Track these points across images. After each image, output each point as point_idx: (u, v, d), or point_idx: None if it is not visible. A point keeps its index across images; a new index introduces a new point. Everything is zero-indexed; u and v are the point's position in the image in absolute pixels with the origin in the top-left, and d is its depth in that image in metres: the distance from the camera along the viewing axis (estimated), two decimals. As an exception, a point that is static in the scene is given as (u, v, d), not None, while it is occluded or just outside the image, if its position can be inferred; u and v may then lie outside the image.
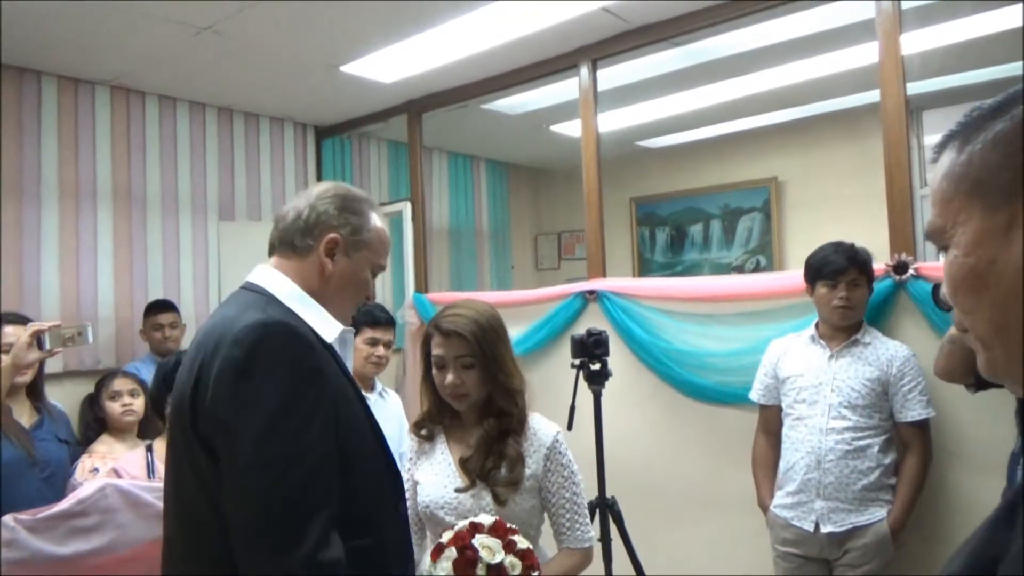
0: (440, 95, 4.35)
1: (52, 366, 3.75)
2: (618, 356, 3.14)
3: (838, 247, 2.52)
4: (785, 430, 2.59)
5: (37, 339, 2.34)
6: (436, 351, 1.78)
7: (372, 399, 2.77)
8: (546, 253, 6.80)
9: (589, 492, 2.55)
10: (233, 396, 1.14)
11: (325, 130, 5.05)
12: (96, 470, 2.62)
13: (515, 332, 3.75)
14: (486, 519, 1.59)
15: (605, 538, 2.55)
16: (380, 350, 2.74)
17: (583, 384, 2.58)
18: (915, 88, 3.23)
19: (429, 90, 4.32)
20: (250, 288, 1.34)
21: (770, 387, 2.69)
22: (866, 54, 3.45)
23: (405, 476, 1.97)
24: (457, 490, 1.75)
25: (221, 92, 4.30)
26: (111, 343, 4.01)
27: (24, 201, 3.74)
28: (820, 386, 2.50)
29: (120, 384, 3.02)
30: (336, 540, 1.15)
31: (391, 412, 2.85)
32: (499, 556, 1.50)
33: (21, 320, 2.62)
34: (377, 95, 4.36)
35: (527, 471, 1.73)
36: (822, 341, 2.56)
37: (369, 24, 3.34)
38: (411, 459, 1.92)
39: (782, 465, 2.58)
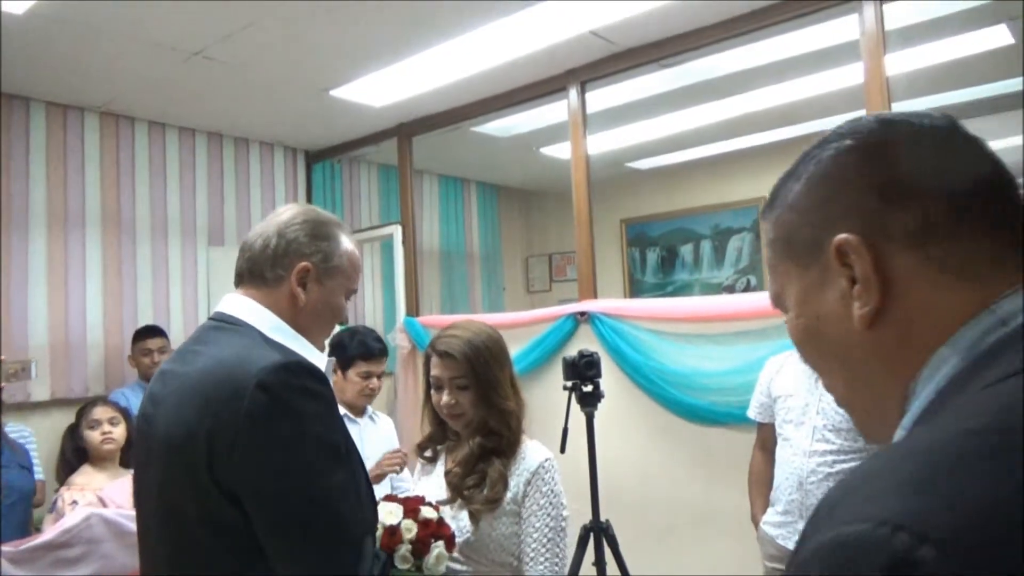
0: (430, 118, 4.37)
1: (39, 395, 3.72)
2: (610, 377, 3.13)
3: None
4: (776, 449, 2.59)
5: None
6: (433, 371, 1.80)
7: (362, 423, 2.75)
8: (537, 275, 6.80)
9: (583, 516, 2.53)
10: (269, 442, 1.13)
11: (315, 154, 5.06)
12: (75, 502, 2.58)
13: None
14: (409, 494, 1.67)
15: (600, 562, 2.52)
16: (374, 382, 2.71)
17: (576, 406, 2.56)
18: (900, 108, 3.26)
19: (419, 114, 4.34)
20: (226, 320, 1.30)
21: (765, 405, 2.68)
22: (852, 75, 3.48)
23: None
24: (438, 502, 1.74)
25: (211, 117, 4.30)
26: (100, 370, 3.97)
27: (12, 227, 3.72)
28: (807, 407, 2.49)
29: (100, 413, 2.99)
30: (381, 555, 1.24)
31: (382, 435, 2.83)
32: (396, 520, 1.56)
33: None
34: (367, 119, 4.37)
35: (508, 494, 1.70)
36: None
37: (358, 48, 3.36)
38: (415, 481, 1.92)
39: (774, 483, 2.58)
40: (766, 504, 2.62)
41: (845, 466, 2.38)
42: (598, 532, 2.55)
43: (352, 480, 1.22)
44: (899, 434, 0.58)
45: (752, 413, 2.73)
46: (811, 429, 2.45)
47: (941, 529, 0.39)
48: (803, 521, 2.39)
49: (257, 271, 1.33)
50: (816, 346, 0.66)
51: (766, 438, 2.69)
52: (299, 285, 1.31)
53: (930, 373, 0.56)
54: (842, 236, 0.59)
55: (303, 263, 1.31)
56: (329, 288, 1.35)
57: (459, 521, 1.70)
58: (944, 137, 0.61)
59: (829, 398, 2.40)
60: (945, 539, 0.38)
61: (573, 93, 3.70)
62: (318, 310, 1.34)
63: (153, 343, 3.75)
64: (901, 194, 0.58)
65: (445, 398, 1.76)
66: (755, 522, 2.66)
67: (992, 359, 0.52)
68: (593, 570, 2.50)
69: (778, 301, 0.70)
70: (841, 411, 2.36)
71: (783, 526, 2.51)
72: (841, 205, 0.61)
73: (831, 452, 2.40)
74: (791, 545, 2.43)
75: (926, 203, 0.58)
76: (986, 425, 0.45)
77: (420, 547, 1.57)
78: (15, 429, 3.22)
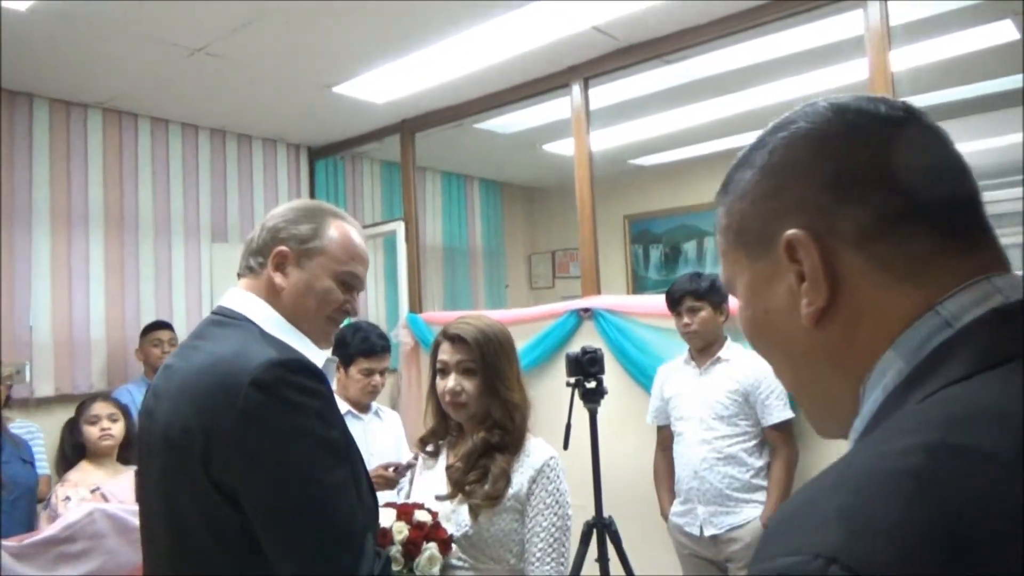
0: (433, 115, 4.36)
1: (43, 391, 3.73)
2: (614, 374, 3.12)
3: (681, 280, 2.83)
4: (674, 446, 2.84)
5: None
6: (441, 356, 1.79)
7: (367, 419, 2.74)
8: (540, 272, 6.80)
9: (586, 512, 2.53)
10: (265, 440, 1.12)
11: (318, 151, 5.06)
12: (68, 498, 2.57)
13: (510, 351, 3.74)
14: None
15: (602, 558, 2.52)
16: (376, 379, 2.70)
17: (579, 403, 2.56)
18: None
19: (422, 110, 4.33)
20: (226, 314, 1.30)
21: (660, 408, 2.95)
22: (856, 71, 3.47)
23: (404, 491, 1.97)
24: (437, 497, 1.73)
25: (214, 114, 4.30)
26: (103, 366, 3.97)
27: (15, 225, 3.72)
28: (692, 402, 2.76)
29: (100, 408, 2.99)
30: (383, 553, 1.22)
31: (388, 430, 2.82)
32: (388, 523, 1.57)
33: None
34: (370, 115, 4.37)
35: (510, 491, 1.69)
36: (693, 362, 2.84)
37: (361, 45, 3.35)
38: (417, 474, 1.91)
39: (676, 477, 2.83)
40: (672, 498, 2.87)
41: (731, 450, 2.66)
42: (601, 528, 2.55)
43: (352, 478, 1.20)
44: (852, 437, 0.57)
45: (650, 418, 3.00)
46: (699, 421, 2.73)
47: (870, 561, 0.40)
48: (701, 506, 2.65)
49: (245, 263, 1.35)
50: (764, 338, 0.65)
51: (664, 438, 2.95)
52: (277, 270, 1.31)
53: (877, 378, 0.55)
54: (792, 231, 0.58)
55: (279, 248, 1.31)
56: (309, 270, 1.32)
57: (458, 516, 1.69)
58: (899, 128, 0.59)
59: (710, 390, 2.63)
60: (874, 572, 0.39)
61: (576, 89, 3.70)
62: (300, 293, 1.31)
63: (164, 334, 3.76)
64: (851, 190, 0.57)
65: (450, 383, 1.74)
66: (664, 515, 2.90)
67: (935, 365, 0.51)
68: (596, 566, 2.50)
69: (730, 286, 0.69)
70: (721, 400, 2.64)
71: (686, 514, 2.77)
72: (792, 198, 0.59)
73: (718, 438, 2.68)
74: (695, 530, 2.72)
75: (875, 200, 0.56)
76: (914, 445, 0.44)
77: (411, 549, 1.57)
78: (22, 425, 3.23)
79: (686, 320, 2.76)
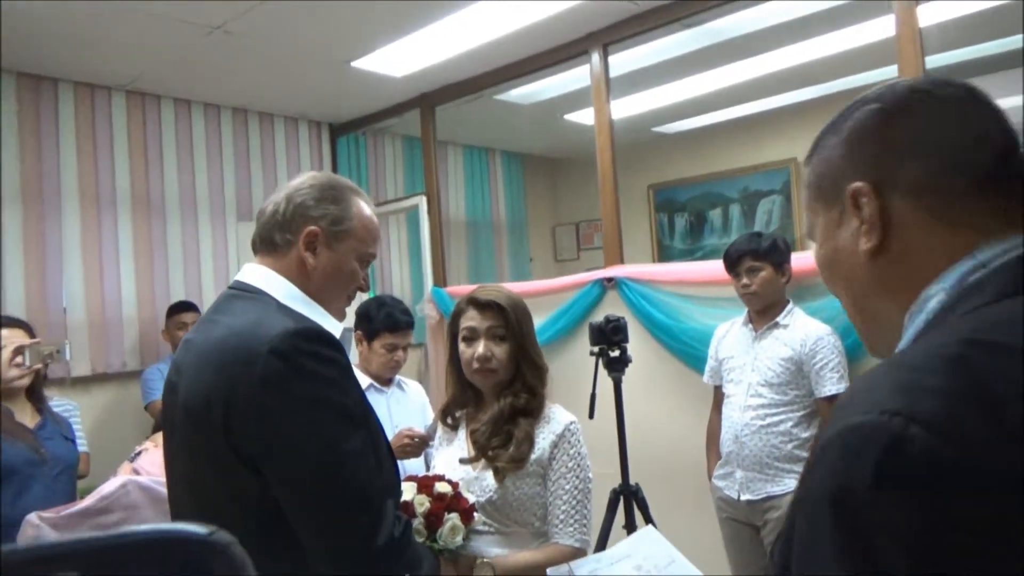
0: (452, 87, 4.34)
1: (79, 369, 3.81)
2: (638, 342, 3.12)
3: (740, 239, 2.76)
4: (723, 408, 2.80)
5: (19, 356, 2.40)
6: (468, 323, 1.79)
7: (390, 392, 2.76)
8: (565, 244, 6.77)
9: (612, 479, 2.54)
10: (283, 408, 1.14)
11: (339, 127, 5.07)
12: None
13: (534, 322, 3.73)
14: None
15: (630, 525, 2.54)
16: (399, 354, 2.71)
17: (603, 372, 2.56)
18: (934, 61, 3.16)
19: (441, 82, 4.31)
20: (244, 289, 1.31)
21: (714, 368, 2.90)
22: (883, 28, 3.38)
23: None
24: (461, 460, 1.75)
25: (235, 92, 4.32)
26: (135, 345, 4.05)
27: (45, 208, 3.79)
28: (744, 366, 2.71)
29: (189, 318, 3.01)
30: (403, 517, 1.23)
31: (412, 401, 2.83)
32: (409, 496, 1.59)
33: (17, 323, 2.64)
34: (389, 90, 4.36)
35: (533, 455, 1.71)
36: (750, 324, 2.77)
37: (378, 18, 3.34)
38: (436, 448, 1.92)
39: (720, 440, 2.80)
40: (717, 460, 2.84)
41: (775, 419, 2.61)
42: (628, 496, 2.56)
43: (371, 444, 1.22)
44: (899, 349, 0.71)
45: (705, 377, 2.95)
46: (747, 386, 2.68)
47: (924, 414, 0.53)
48: (740, 470, 2.63)
49: (268, 237, 1.34)
50: (831, 272, 0.80)
51: (719, 399, 2.88)
52: (308, 250, 1.30)
53: (921, 304, 0.69)
54: (856, 184, 0.72)
55: (311, 227, 1.31)
56: (340, 252, 1.33)
57: (483, 481, 1.71)
58: (960, 106, 0.72)
59: (763, 355, 2.57)
60: (928, 421, 0.52)
61: (595, 57, 3.65)
62: (329, 275, 1.33)
63: (188, 316, 3.81)
64: (910, 152, 0.71)
65: (479, 349, 1.75)
66: (709, 476, 2.87)
67: (970, 294, 0.65)
68: (623, 533, 2.52)
69: (810, 234, 0.83)
70: (773, 367, 2.60)
71: (725, 477, 2.76)
72: (863, 157, 0.74)
73: (763, 406, 2.62)
74: (733, 494, 2.71)
75: (929, 161, 0.70)
76: (954, 341, 0.59)
77: (433, 520, 1.58)
78: (59, 403, 3.31)
79: (745, 280, 2.67)
